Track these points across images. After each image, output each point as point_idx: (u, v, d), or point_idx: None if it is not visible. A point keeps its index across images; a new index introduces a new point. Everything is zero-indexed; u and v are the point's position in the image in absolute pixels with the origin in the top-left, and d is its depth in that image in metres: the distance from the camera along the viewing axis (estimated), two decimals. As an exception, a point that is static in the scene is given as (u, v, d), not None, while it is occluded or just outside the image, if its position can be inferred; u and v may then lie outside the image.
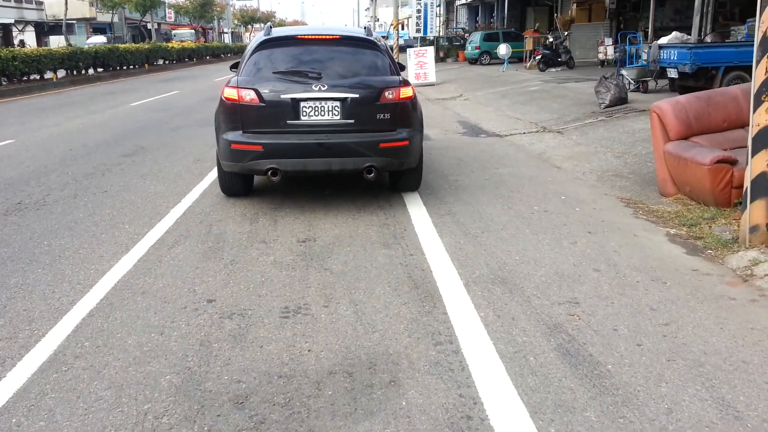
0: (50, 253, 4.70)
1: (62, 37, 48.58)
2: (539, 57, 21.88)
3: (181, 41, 47.83)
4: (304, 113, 5.39)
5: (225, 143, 5.54)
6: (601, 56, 21.48)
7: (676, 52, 11.10)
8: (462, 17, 49.40)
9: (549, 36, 23.34)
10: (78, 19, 50.03)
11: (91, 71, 25.50)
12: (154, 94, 18.69)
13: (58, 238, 5.05)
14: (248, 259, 4.48)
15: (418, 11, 31.25)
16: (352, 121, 5.44)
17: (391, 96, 5.52)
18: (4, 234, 5.20)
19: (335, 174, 5.86)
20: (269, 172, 5.43)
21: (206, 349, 3.19)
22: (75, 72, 23.56)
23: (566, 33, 24.10)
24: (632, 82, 13.12)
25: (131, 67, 29.72)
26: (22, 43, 43.81)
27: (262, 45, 5.74)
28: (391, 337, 3.29)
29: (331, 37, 5.88)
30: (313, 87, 5.37)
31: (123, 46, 30.56)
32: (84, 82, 23.42)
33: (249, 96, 5.42)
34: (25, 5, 44.90)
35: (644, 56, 15.18)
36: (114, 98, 17.56)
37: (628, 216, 5.49)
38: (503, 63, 24.08)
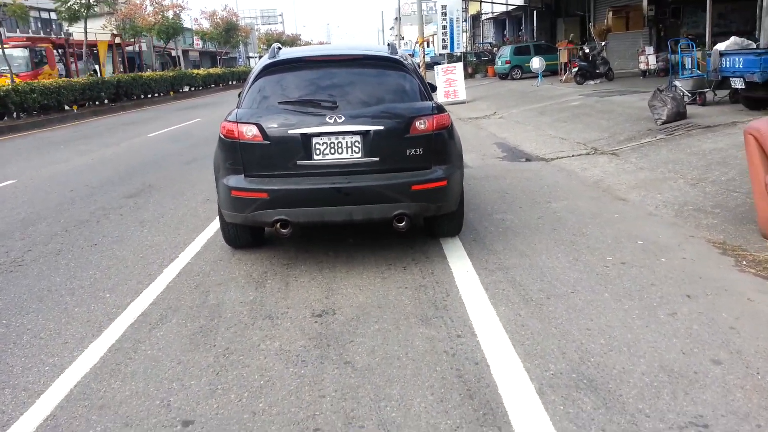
0: (5, 338, 3.75)
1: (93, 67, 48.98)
2: (576, 69, 20.70)
3: None
4: (318, 151, 4.40)
5: (225, 190, 4.57)
6: (642, 66, 20.23)
7: (742, 59, 9.85)
8: (489, 31, 48.44)
9: (585, 47, 22.10)
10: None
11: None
12: (175, 122, 18.04)
13: (22, 314, 4.11)
14: (247, 347, 3.46)
15: (444, 27, 30.41)
16: (376, 158, 4.42)
17: (423, 126, 4.49)
18: (-40, 309, 4.29)
19: (358, 224, 4.85)
20: (278, 224, 4.44)
21: None
22: (97, 102, 23.19)
23: (603, 43, 22.83)
24: (687, 94, 11.88)
25: (156, 95, 29.42)
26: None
27: (266, 70, 4.77)
28: (441, 498, 2.21)
29: (347, 57, 4.89)
30: (327, 119, 4.37)
31: (147, 74, 30.30)
32: (107, 112, 23.01)
33: (251, 132, 4.44)
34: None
35: (689, 64, 13.90)
36: (133, 128, 16.95)
37: (730, 268, 4.32)
38: (537, 77, 22.91)
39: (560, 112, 13.89)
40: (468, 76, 32.95)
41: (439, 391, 2.91)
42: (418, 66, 25.98)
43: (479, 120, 15.01)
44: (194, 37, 59.20)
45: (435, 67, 20.95)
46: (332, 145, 4.40)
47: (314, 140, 4.39)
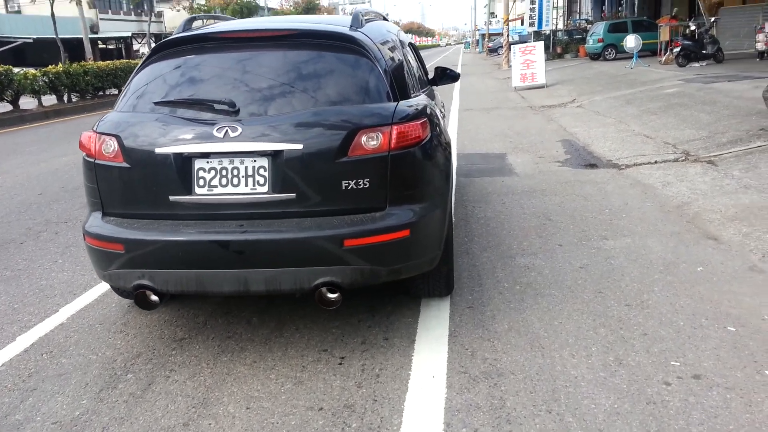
0: None
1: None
2: (678, 49, 17.81)
3: None
4: (201, 181, 2.83)
5: (83, 233, 3.12)
6: (759, 46, 17.09)
7: None
8: (586, 7, 44.64)
9: (690, 23, 19.07)
10: (195, 30, 51.23)
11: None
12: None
13: None
14: None
15: (532, 2, 27.74)
16: (291, 195, 2.79)
17: (374, 143, 2.81)
18: None
19: (259, 295, 3.27)
20: (141, 291, 2.93)
21: None
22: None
23: (713, 19, 19.68)
24: (818, 80, 9.29)
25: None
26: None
27: (157, 53, 3.24)
28: None
29: (276, 33, 3.24)
30: (215, 131, 2.79)
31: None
32: (170, 94, 22.45)
33: (110, 148, 2.96)
34: (144, 18, 46.37)
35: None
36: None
37: None
38: (632, 58, 20.10)
39: (651, 101, 11.52)
40: (557, 56, 30.32)
41: None
42: (501, 45, 23.58)
43: (552, 109, 12.86)
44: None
45: (512, 47, 18.72)
46: (224, 172, 2.82)
47: (196, 164, 2.83)
